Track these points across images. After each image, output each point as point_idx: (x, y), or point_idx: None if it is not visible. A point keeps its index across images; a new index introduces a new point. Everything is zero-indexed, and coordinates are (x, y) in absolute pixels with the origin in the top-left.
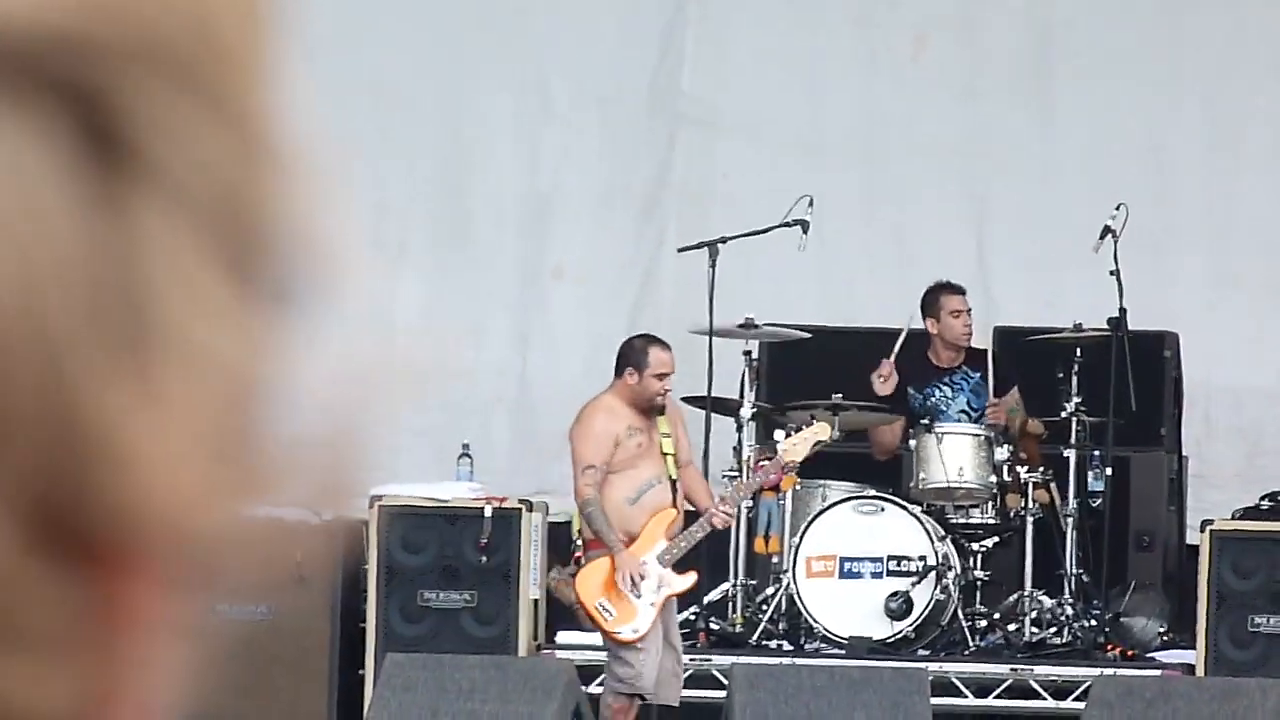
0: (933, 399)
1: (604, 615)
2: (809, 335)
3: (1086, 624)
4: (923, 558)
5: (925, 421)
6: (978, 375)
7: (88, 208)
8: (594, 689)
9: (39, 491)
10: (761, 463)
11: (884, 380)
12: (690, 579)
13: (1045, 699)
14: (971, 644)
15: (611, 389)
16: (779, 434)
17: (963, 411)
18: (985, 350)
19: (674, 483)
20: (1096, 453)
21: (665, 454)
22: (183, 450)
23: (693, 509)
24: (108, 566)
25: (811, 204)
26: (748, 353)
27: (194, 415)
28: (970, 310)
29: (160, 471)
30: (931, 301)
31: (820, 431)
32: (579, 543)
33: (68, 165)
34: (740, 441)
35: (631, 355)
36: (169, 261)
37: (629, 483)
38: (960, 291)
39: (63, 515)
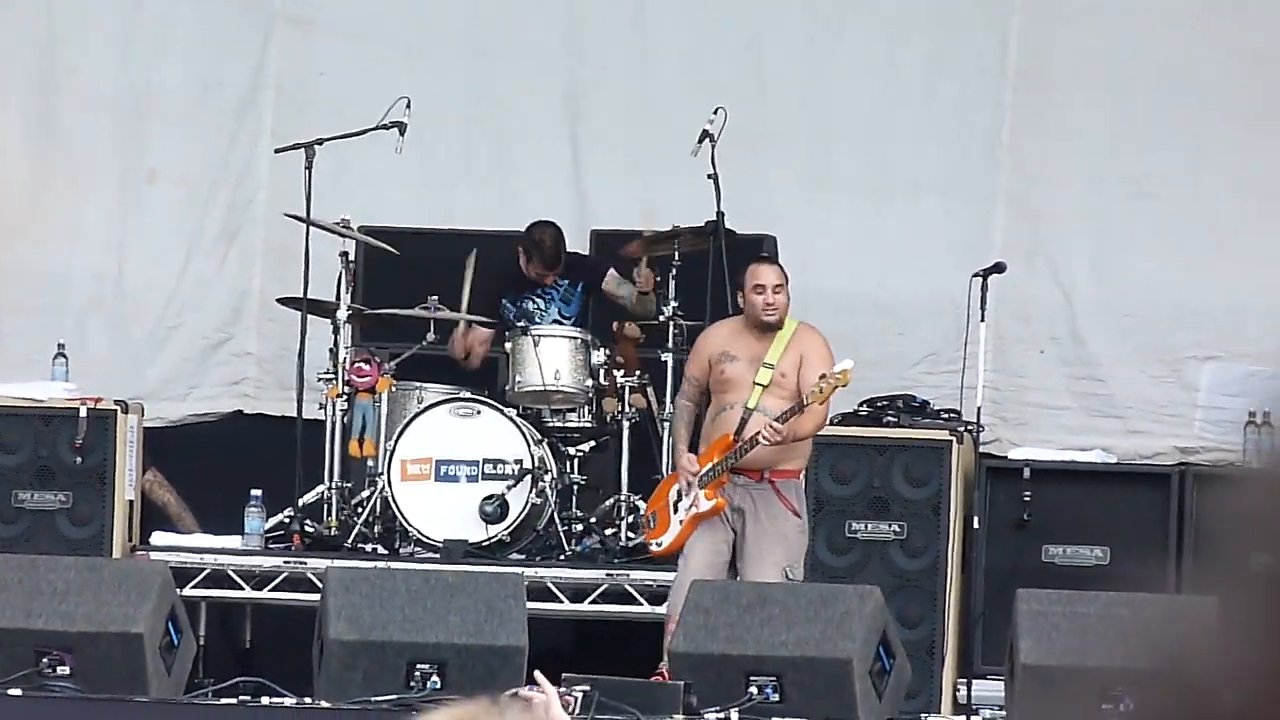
0: (527, 309)
1: (648, 526)
2: (395, 251)
3: None
4: (519, 461)
5: (521, 324)
6: (566, 282)
7: None
8: (188, 591)
9: None
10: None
11: (464, 341)
12: (712, 503)
13: (641, 603)
14: (567, 548)
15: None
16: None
17: (555, 321)
18: (575, 255)
19: (750, 411)
20: None
21: (756, 383)
22: None
23: None
24: None
25: (409, 106)
26: (344, 254)
27: None
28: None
29: None
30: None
31: (841, 379)
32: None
33: None
34: (336, 344)
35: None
36: None
37: (715, 404)
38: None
39: None
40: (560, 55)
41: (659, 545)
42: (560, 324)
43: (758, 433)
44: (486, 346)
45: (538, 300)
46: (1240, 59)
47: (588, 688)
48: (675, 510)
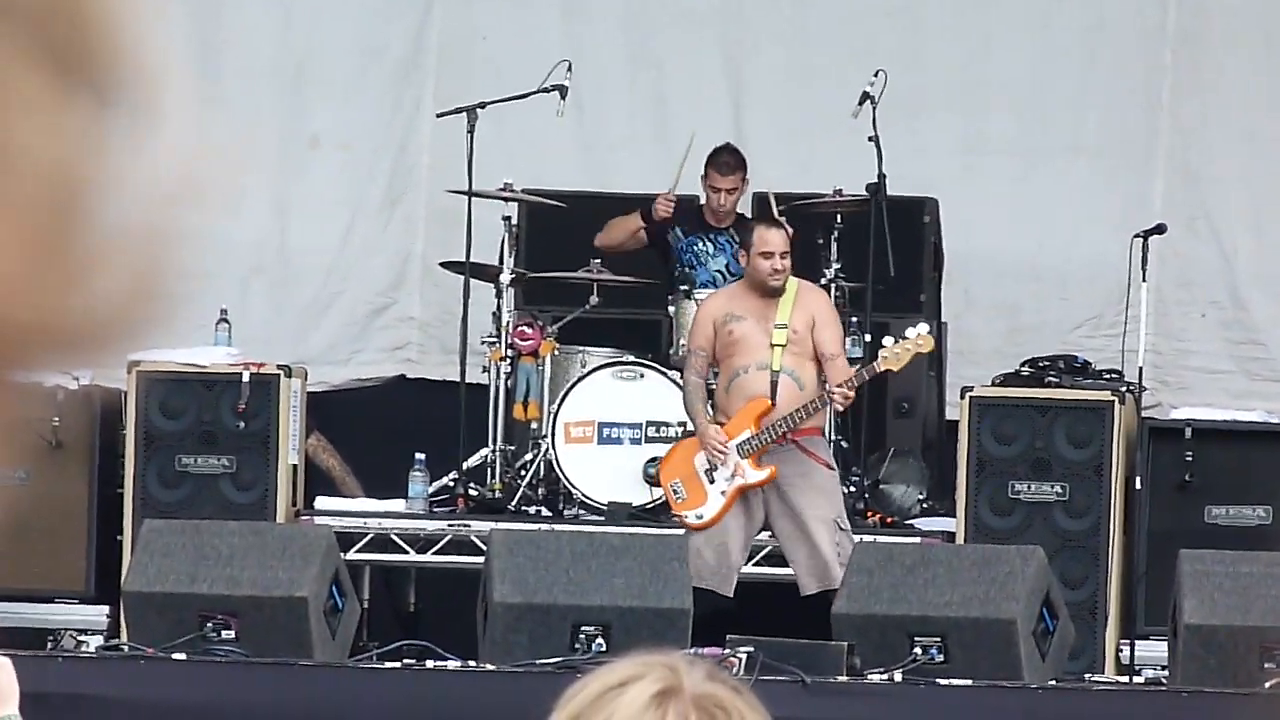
0: (696, 247)
1: (674, 496)
2: (564, 205)
3: (846, 490)
4: (682, 423)
5: (685, 288)
6: (738, 240)
7: None
8: (352, 555)
9: None
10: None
11: (668, 203)
12: (765, 472)
13: None
14: None
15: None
16: (887, 339)
17: (719, 271)
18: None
19: (777, 374)
20: (855, 319)
21: (774, 345)
22: (22, 249)
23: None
24: None
25: (570, 69)
26: (507, 218)
27: (34, 218)
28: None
29: (6, 280)
30: (747, 232)
31: (925, 345)
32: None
33: None
34: (499, 308)
35: (743, 235)
36: (5, 82)
37: (726, 371)
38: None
39: None
40: (720, 18)
41: (700, 517)
42: (723, 275)
43: (826, 393)
44: (639, 241)
45: (708, 243)
46: None
47: (751, 649)
48: (711, 480)
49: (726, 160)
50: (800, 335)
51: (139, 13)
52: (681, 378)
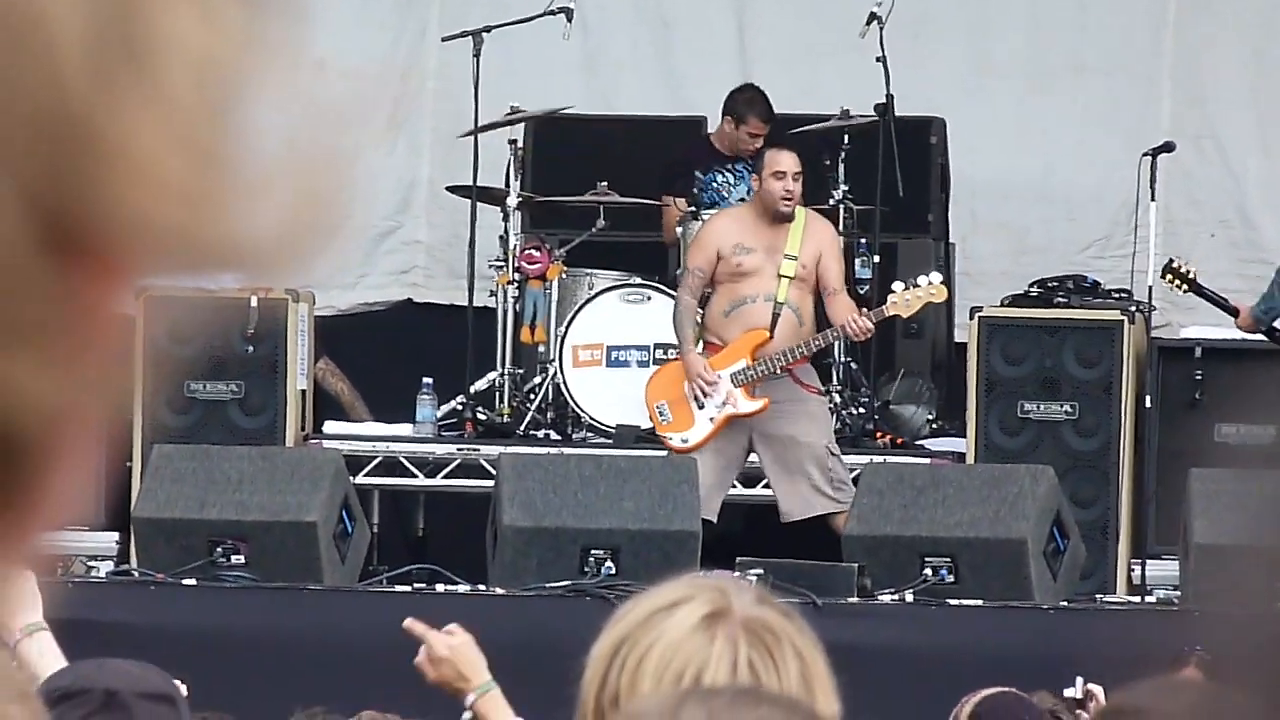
0: (715, 183)
1: (659, 417)
2: (570, 109)
3: (855, 411)
4: None
5: (693, 210)
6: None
7: None
8: (360, 479)
9: (49, 190)
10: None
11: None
12: (759, 404)
13: None
14: None
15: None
16: (896, 285)
17: (741, 199)
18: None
19: (780, 306)
20: (863, 240)
21: (782, 276)
22: (177, 149)
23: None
24: (94, 265)
25: None
26: (513, 142)
27: (187, 115)
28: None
29: (156, 168)
30: (758, 155)
31: (937, 295)
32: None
33: None
34: (506, 231)
35: (753, 157)
36: None
37: (727, 296)
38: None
39: (67, 213)
40: None
41: (685, 441)
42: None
43: (841, 327)
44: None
45: (727, 174)
46: None
47: (760, 571)
48: (700, 406)
49: (766, 111)
50: (807, 269)
51: None
52: (676, 294)
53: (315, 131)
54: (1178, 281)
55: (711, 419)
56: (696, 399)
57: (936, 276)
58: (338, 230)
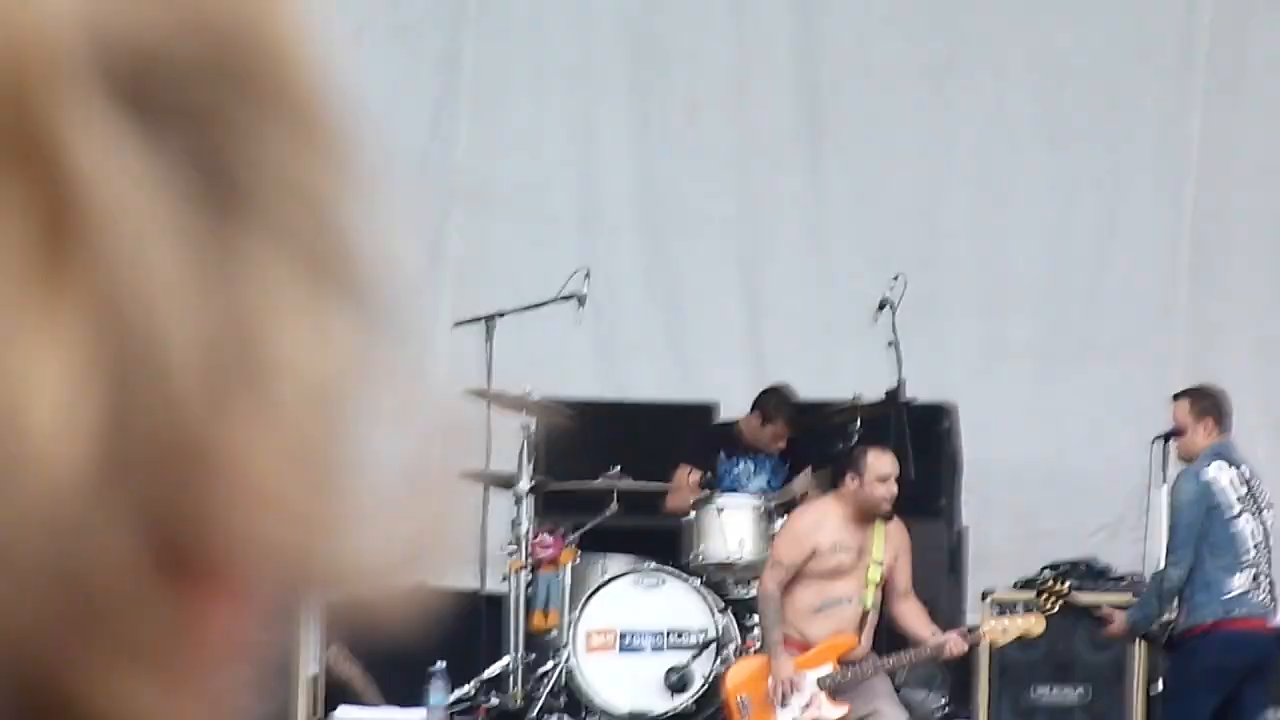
0: (735, 470)
1: (740, 711)
2: (572, 411)
3: None
4: (703, 630)
5: (706, 492)
6: (777, 454)
7: (198, 249)
8: None
9: (165, 511)
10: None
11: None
12: (842, 710)
13: None
14: None
15: (835, 494)
16: (991, 614)
17: (761, 490)
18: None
19: (866, 613)
20: None
21: (870, 581)
22: (293, 471)
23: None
24: (208, 587)
25: (588, 276)
26: (525, 426)
27: (303, 437)
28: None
29: (272, 490)
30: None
31: (1035, 627)
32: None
33: (180, 197)
34: (519, 515)
35: (851, 461)
36: (270, 288)
37: (818, 592)
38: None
39: (182, 534)
40: (736, 224)
41: None
42: (765, 492)
43: (940, 645)
44: (696, 489)
45: (749, 464)
46: None
47: None
48: (783, 704)
49: (794, 415)
50: (899, 574)
51: (383, 218)
52: (760, 588)
53: (427, 452)
54: (1052, 598)
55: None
56: (779, 699)
57: (1034, 615)
58: (449, 549)
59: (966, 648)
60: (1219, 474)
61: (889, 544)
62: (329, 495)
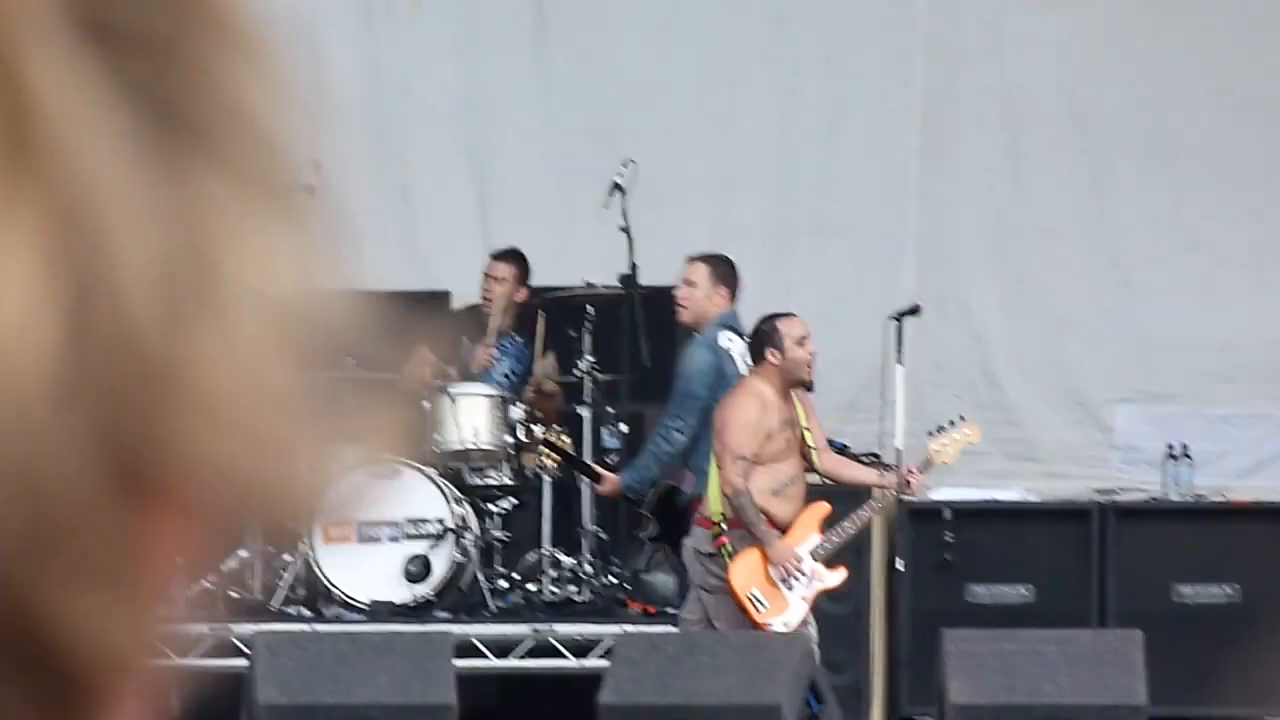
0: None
1: (756, 607)
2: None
3: (606, 581)
4: (440, 520)
5: (440, 383)
6: (522, 341)
7: (152, 171)
8: None
9: (122, 429)
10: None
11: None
12: (841, 575)
13: (568, 657)
14: (492, 605)
15: (757, 375)
16: (933, 435)
17: (505, 376)
18: (536, 316)
19: (821, 476)
20: (612, 410)
21: (809, 447)
22: (251, 392)
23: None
24: (162, 505)
25: (317, 168)
26: None
27: (259, 359)
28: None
29: (230, 417)
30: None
31: (973, 435)
32: (722, 526)
33: (136, 119)
34: None
35: (764, 337)
36: (224, 211)
37: (771, 475)
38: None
39: (140, 454)
40: (463, 113)
41: (786, 625)
42: (509, 379)
43: (905, 483)
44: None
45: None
46: (1139, 94)
47: None
48: (790, 587)
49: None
50: (816, 432)
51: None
52: (727, 486)
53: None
54: (551, 452)
55: (804, 597)
56: (784, 581)
57: (964, 421)
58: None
59: (923, 477)
60: (730, 344)
61: (804, 406)
62: (284, 417)
